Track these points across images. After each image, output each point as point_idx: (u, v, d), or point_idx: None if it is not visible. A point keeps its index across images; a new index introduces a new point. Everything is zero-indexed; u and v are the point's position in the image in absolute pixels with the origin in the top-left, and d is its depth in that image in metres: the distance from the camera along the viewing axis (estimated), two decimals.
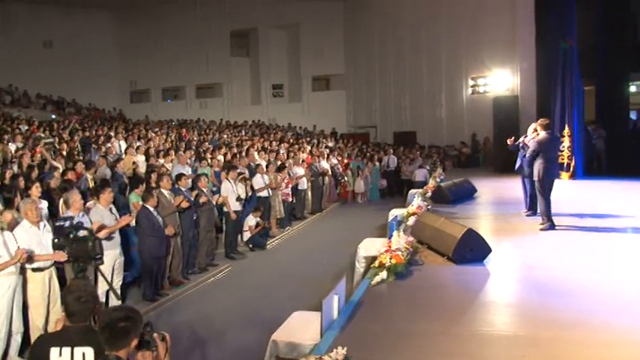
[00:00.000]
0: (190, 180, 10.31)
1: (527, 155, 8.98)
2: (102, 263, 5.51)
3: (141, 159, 13.02)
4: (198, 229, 9.95)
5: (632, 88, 19.96)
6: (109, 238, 7.24)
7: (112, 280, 7.50)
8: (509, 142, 10.06)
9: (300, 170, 15.22)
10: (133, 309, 2.93)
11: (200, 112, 29.98)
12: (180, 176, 9.79)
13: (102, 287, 7.35)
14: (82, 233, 5.54)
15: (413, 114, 26.79)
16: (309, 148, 19.53)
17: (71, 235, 5.52)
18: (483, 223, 9.76)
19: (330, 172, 17.54)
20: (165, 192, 8.96)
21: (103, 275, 6.27)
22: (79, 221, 6.20)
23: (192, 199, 9.59)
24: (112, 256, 7.44)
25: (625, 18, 17.10)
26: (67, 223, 5.58)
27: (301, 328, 4.82)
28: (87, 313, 3.27)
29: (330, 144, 23.14)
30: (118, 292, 7.74)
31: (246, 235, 11.90)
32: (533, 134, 9.55)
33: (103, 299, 7.44)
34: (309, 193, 16.12)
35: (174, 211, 8.95)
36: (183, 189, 9.55)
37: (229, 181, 11.29)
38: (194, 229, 9.76)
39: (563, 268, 6.56)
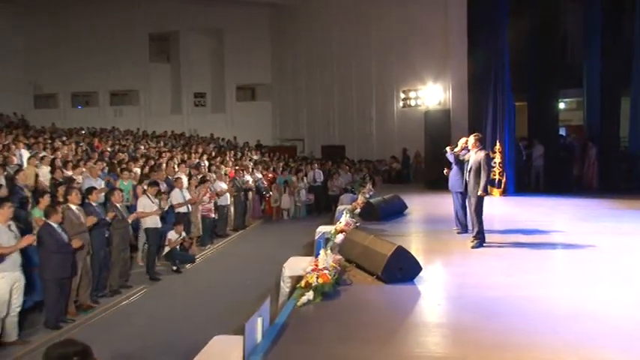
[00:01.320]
0: (103, 194, 9.96)
1: (472, 170, 9.22)
2: None
3: (45, 170, 12.45)
4: (111, 248, 9.61)
5: (562, 105, 21.02)
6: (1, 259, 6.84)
7: (9, 306, 7.08)
8: (448, 149, 10.34)
9: (222, 184, 15.05)
10: (83, 343, 2.72)
11: (115, 120, 28.97)
12: (90, 190, 9.45)
13: None
14: None
15: (342, 127, 27.15)
16: (232, 161, 19.37)
17: None
18: (414, 240, 9.99)
19: (253, 187, 17.46)
20: (73, 207, 8.60)
21: None
22: None
23: (106, 217, 9.28)
24: (9, 279, 7.03)
25: (555, 38, 18.02)
26: None
27: (222, 354, 4.72)
28: None
29: (255, 157, 23.07)
30: (16, 318, 7.31)
31: (167, 250, 11.61)
32: (464, 149, 9.93)
33: None
34: (232, 209, 15.95)
35: (85, 230, 8.59)
36: (94, 204, 9.22)
37: (149, 197, 10.99)
38: (106, 247, 9.43)
39: (494, 287, 6.78)
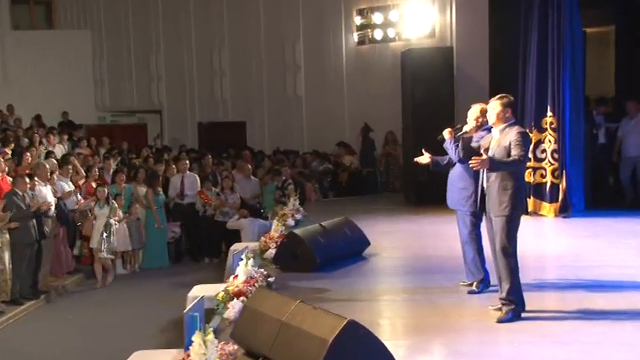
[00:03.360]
0: None
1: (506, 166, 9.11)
2: None
3: None
4: None
5: None
6: None
7: None
8: (446, 134, 10.29)
9: None
10: None
11: None
12: None
13: None
14: None
15: (239, 88, 27.34)
16: (5, 158, 19.03)
17: None
18: (384, 308, 10.15)
19: (54, 212, 17.17)
20: None
21: None
22: None
23: None
24: None
25: None
26: None
27: None
28: None
29: (59, 148, 22.78)
30: None
31: None
32: (480, 128, 9.98)
33: None
34: (7, 259, 15.66)
35: None
36: None
37: None
38: None
39: None
